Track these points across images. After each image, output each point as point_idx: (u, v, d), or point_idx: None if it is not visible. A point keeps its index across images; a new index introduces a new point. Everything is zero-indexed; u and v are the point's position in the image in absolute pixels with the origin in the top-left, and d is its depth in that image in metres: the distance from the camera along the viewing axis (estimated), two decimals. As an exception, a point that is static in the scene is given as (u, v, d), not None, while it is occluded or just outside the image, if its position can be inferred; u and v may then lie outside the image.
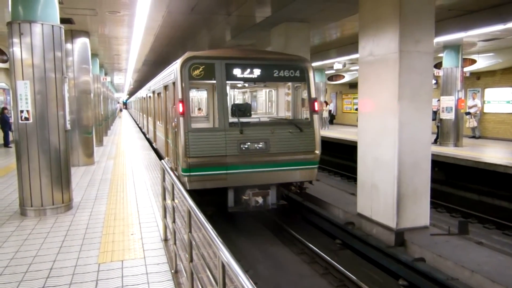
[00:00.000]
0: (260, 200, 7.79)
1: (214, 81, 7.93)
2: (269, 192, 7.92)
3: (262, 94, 11.91)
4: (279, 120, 9.19)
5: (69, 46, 10.60)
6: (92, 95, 11.72)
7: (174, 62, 8.66)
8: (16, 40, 5.68)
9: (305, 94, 8.54)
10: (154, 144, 14.47)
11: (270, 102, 10.90)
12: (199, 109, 13.83)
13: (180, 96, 7.61)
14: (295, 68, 8.20)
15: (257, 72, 8.04)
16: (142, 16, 9.13)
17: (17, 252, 4.55)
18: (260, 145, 7.77)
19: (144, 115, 20.21)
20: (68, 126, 6.28)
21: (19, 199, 6.06)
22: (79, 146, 10.83)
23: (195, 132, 7.54)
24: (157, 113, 12.79)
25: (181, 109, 7.56)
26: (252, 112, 10.23)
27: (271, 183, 7.97)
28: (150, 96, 15.56)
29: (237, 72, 7.91)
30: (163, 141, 10.78)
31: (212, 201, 8.01)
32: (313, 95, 8.22)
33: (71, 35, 10.65)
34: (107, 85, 25.92)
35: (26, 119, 5.77)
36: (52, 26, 5.87)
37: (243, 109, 9.26)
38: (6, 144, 14.71)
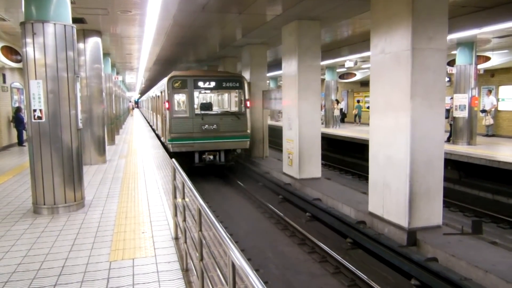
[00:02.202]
0: (211, 157, 13.28)
1: (187, 89, 13.22)
2: (217, 154, 13.36)
3: (225, 96, 17.56)
4: (226, 112, 14.49)
5: (81, 45, 10.68)
6: (104, 94, 11.80)
7: (164, 78, 14.09)
8: (29, 40, 5.73)
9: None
10: (156, 131, 19.94)
11: (228, 101, 16.66)
12: None
13: (167, 98, 12.90)
14: (235, 81, 13.71)
15: (212, 84, 13.52)
16: (153, 16, 9.16)
17: (30, 249, 4.60)
18: (213, 127, 13.00)
19: (150, 111, 26.69)
20: (80, 125, 6.33)
21: (32, 197, 6.13)
22: (91, 145, 10.93)
23: (175, 119, 12.89)
24: (158, 109, 17.33)
25: (167, 106, 12.86)
26: (214, 107, 15.49)
27: (220, 149, 13.28)
28: (153, 97, 21.16)
29: (200, 84, 13.36)
30: (160, 127, 15.85)
31: (186, 161, 12.96)
32: (246, 97, 13.50)
33: (83, 34, 10.72)
34: (119, 84, 26.12)
35: (39, 118, 5.83)
36: (65, 25, 5.92)
37: (207, 106, 14.24)
38: (20, 143, 14.92)
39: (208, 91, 15.47)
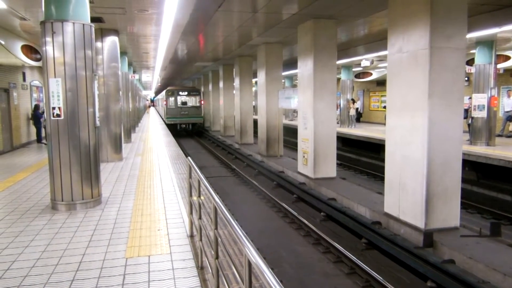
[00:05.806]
0: (184, 126, 29.35)
1: (174, 95, 28.92)
2: (187, 125, 29.37)
3: (196, 97, 29.63)
4: (192, 105, 28.80)
5: (99, 44, 10.82)
6: (120, 92, 11.92)
7: (164, 90, 34.28)
8: (48, 39, 5.83)
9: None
10: (162, 116, 35.88)
11: (194, 101, 29.42)
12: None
13: (165, 99, 29.53)
14: (196, 91, 29.92)
15: (186, 93, 29.33)
16: (170, 15, 9.22)
17: (48, 245, 4.68)
18: (186, 112, 28.62)
19: (160, 107, 42.92)
20: (98, 123, 6.41)
21: (51, 193, 6.24)
22: (108, 143, 11.06)
23: (169, 108, 28.87)
24: (162, 105, 34.86)
25: (165, 103, 29.41)
26: (188, 103, 28.80)
27: (189, 122, 29.12)
28: (160, 99, 43.36)
29: (180, 93, 29.14)
30: (163, 112, 34.20)
31: (173, 128, 27.15)
32: (202, 98, 29.22)
33: (101, 33, 10.86)
34: (135, 82, 26.42)
35: (58, 115, 5.93)
36: (83, 25, 6.00)
37: (184, 102, 28.69)
38: (39, 140, 15.18)
39: (184, 96, 28.89)
